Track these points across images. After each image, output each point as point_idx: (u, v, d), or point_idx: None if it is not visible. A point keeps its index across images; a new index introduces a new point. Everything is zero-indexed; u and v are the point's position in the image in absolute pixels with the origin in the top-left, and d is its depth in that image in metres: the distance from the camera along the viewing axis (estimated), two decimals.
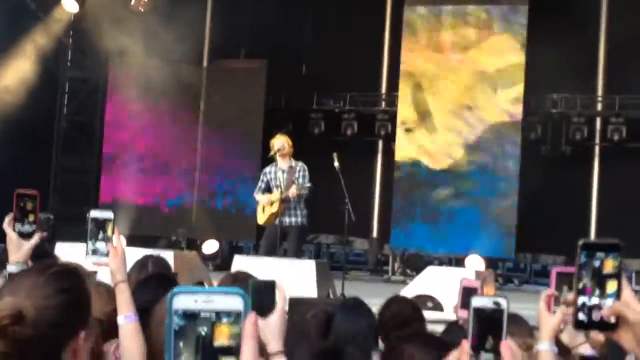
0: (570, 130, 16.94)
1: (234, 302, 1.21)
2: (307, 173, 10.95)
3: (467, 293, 3.47)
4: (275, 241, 10.85)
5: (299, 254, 10.93)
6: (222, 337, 1.20)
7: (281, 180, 10.95)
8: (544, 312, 2.76)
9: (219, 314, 1.21)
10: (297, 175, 10.91)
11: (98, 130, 18.41)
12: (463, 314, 3.45)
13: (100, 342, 2.91)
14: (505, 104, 16.80)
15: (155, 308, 3.00)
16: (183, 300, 1.21)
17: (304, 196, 10.89)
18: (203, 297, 1.21)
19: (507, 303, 1.90)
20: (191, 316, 1.21)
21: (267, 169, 11.14)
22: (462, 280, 3.68)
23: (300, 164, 11.03)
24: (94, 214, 3.24)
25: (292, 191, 10.76)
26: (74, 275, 2.23)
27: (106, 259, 3.19)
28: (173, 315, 1.21)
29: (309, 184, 10.89)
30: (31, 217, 3.22)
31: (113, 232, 3.21)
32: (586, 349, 2.91)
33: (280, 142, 11.06)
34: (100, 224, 3.21)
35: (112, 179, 18.11)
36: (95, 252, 3.19)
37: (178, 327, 1.21)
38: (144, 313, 3.08)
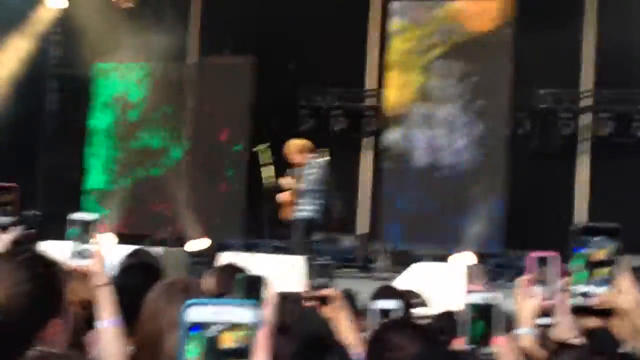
0: (558, 125, 16.95)
1: (246, 313, 1.21)
2: (312, 170, 10.96)
3: None
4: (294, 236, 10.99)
5: (300, 249, 10.86)
6: (231, 341, 1.19)
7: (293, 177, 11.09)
8: (521, 297, 2.73)
9: (231, 325, 1.21)
10: (305, 172, 10.98)
11: (85, 127, 18.35)
12: None
13: (84, 327, 2.85)
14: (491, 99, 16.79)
15: (147, 300, 2.95)
16: (197, 312, 1.22)
17: (299, 192, 10.90)
18: (216, 309, 1.21)
19: (502, 298, 1.88)
20: (203, 326, 1.22)
21: None
22: (469, 286, 3.63)
23: (311, 161, 11.04)
24: (78, 215, 3.20)
25: (282, 181, 10.91)
26: (45, 262, 2.17)
27: (88, 262, 3.13)
28: (186, 326, 1.21)
29: (307, 182, 10.86)
30: (9, 209, 3.17)
31: (96, 235, 3.17)
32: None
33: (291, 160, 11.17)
34: (84, 226, 3.17)
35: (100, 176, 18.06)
36: (78, 254, 3.15)
37: (189, 336, 1.22)
38: (129, 296, 3.03)
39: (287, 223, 11.40)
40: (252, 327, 1.20)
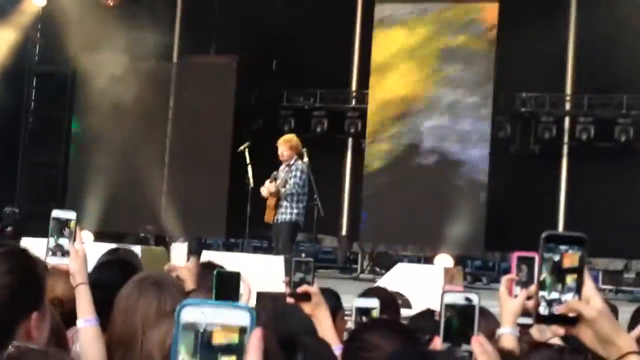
0: (539, 129, 17.02)
1: (240, 316, 1.24)
2: (297, 173, 10.99)
3: None
4: (277, 239, 11.04)
5: (285, 251, 10.91)
6: (224, 339, 1.23)
7: (278, 179, 11.10)
8: (504, 297, 2.74)
9: (224, 325, 1.25)
10: (290, 175, 11.01)
11: (66, 125, 18.27)
12: None
13: (62, 324, 2.85)
14: (474, 102, 16.83)
15: (119, 296, 2.95)
16: (191, 312, 1.24)
17: (283, 194, 10.94)
18: (210, 310, 1.24)
19: (478, 298, 1.89)
20: (197, 325, 1.25)
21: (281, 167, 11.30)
22: (444, 287, 3.65)
23: (296, 164, 11.07)
24: (57, 213, 3.20)
25: (268, 186, 10.93)
26: (24, 256, 2.18)
27: (67, 260, 3.13)
28: (180, 327, 1.24)
29: (292, 185, 10.92)
30: None
31: (75, 233, 3.17)
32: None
33: (279, 149, 11.18)
34: (63, 224, 3.17)
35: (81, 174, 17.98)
36: (56, 251, 3.15)
37: (182, 335, 1.24)
38: (105, 293, 3.03)
39: (269, 225, 11.40)
40: (245, 329, 1.22)
